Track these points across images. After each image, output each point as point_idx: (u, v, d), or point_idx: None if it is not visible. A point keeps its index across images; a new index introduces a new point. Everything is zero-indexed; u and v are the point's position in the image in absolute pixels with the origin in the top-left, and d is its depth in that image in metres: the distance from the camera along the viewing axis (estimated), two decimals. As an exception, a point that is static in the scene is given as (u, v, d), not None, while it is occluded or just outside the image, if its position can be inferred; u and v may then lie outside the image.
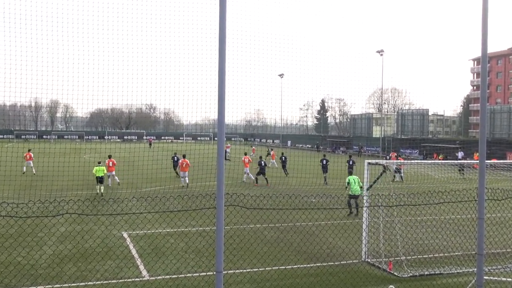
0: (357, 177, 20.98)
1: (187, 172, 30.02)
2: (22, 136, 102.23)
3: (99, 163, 27.72)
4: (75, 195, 24.10)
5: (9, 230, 15.00)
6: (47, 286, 11.16)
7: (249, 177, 32.93)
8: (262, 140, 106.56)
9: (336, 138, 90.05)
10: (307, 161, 30.35)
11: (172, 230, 16.47)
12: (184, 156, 31.46)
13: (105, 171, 27.59)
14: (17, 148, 27.75)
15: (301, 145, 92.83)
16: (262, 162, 32.25)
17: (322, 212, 18.67)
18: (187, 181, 29.88)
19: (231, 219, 15.12)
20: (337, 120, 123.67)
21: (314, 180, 28.88)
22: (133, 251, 14.45)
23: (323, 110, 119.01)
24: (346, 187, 21.44)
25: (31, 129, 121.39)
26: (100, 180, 26.31)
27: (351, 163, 34.72)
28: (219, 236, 7.47)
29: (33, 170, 35.88)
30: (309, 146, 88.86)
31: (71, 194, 24.27)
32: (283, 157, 39.46)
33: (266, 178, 31.56)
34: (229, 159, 48.04)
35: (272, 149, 49.24)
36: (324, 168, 33.86)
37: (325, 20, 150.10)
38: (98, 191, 26.11)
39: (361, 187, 20.61)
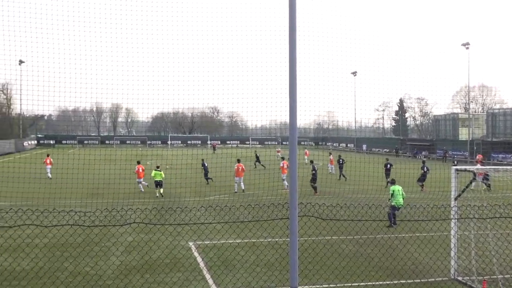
0: (401, 188, 20.84)
1: (242, 178, 30.59)
2: (85, 142, 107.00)
3: (157, 167, 29.43)
4: (142, 203, 24.85)
5: (77, 239, 15.71)
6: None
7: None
8: (334, 144, 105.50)
9: (417, 142, 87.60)
10: (370, 166, 29.69)
11: (241, 241, 16.60)
12: (238, 161, 31.87)
13: (163, 175, 29.10)
14: (82, 155, 29.03)
15: (377, 149, 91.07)
16: (315, 166, 32.03)
17: (406, 224, 18.17)
18: (243, 187, 30.31)
19: (306, 231, 15.04)
20: (418, 122, 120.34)
21: (372, 187, 28.25)
22: (201, 263, 14.69)
23: (401, 110, 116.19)
24: (390, 199, 20.85)
25: (93, 134, 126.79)
26: (158, 183, 28.02)
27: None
28: (293, 250, 7.42)
29: (49, 175, 37.67)
30: (387, 150, 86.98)
31: (138, 202, 25.06)
32: (341, 160, 39.61)
33: (314, 186, 30.91)
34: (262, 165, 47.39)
35: (330, 153, 48.54)
36: (388, 172, 33.80)
37: (402, 12, 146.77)
38: (157, 194, 27.81)
39: (403, 198, 20.66)
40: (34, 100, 18.24)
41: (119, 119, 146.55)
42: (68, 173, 26.44)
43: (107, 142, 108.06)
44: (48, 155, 40.02)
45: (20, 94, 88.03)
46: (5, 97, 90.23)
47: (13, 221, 17.44)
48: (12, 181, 23.38)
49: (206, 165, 35.83)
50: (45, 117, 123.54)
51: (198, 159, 31.14)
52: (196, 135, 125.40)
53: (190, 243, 17.04)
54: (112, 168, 27.15)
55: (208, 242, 16.92)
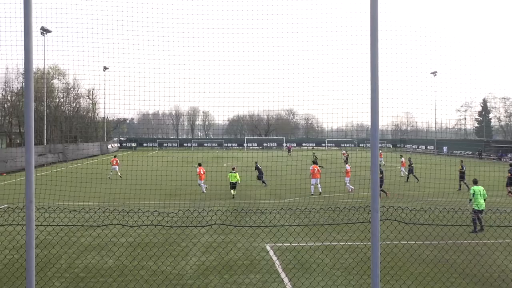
0: (483, 189, 19.26)
1: (318, 179, 30.40)
2: (164, 144, 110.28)
3: (233, 169, 29.80)
4: (220, 205, 25.24)
5: (152, 239, 16.18)
6: (192, 297, 11.77)
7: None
8: (413, 146, 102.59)
9: (502, 144, 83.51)
10: (450, 169, 28.58)
11: (317, 244, 16.46)
12: (314, 163, 31.89)
13: (238, 178, 29.55)
14: (162, 157, 29.93)
15: (459, 152, 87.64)
16: (382, 169, 31.12)
17: (495, 230, 17.33)
18: (320, 189, 30.12)
19: (388, 235, 14.70)
20: (503, 123, 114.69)
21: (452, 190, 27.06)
22: (277, 265, 14.69)
23: (484, 111, 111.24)
24: (470, 200, 19.18)
25: (172, 137, 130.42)
26: (233, 185, 28.41)
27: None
28: (374, 254, 7.25)
29: (119, 173, 40.45)
30: (469, 152, 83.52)
31: (214, 203, 25.48)
32: (410, 162, 39.26)
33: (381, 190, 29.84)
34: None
35: (401, 156, 47.23)
36: (462, 175, 32.98)
37: (484, 9, 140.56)
38: (232, 193, 28.34)
39: (484, 200, 19.11)
40: (116, 105, 18.98)
41: (197, 122, 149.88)
42: (148, 174, 27.32)
43: (185, 144, 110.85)
44: (115, 157, 43.08)
45: (104, 99, 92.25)
46: (90, 101, 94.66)
47: (100, 220, 18.29)
48: (100, 182, 24.45)
49: (260, 168, 35.79)
50: (127, 121, 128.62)
51: (274, 161, 31.27)
52: (271, 137, 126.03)
53: (267, 245, 17.09)
54: (190, 170, 27.85)
55: (285, 244, 16.91)
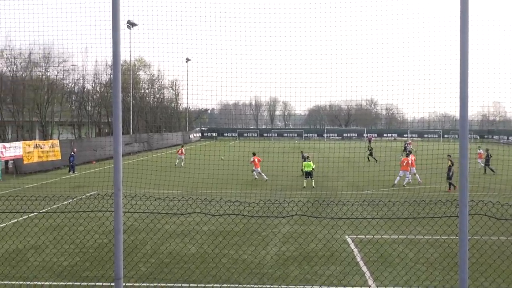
0: None
1: (407, 172, 29.68)
2: (244, 134, 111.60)
3: (307, 158, 29.67)
4: (299, 195, 25.25)
5: (234, 228, 16.43)
6: (273, 286, 11.86)
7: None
8: (502, 137, 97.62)
9: None
10: None
11: (400, 237, 16.08)
12: (407, 155, 31.20)
13: (313, 166, 29.35)
14: (241, 147, 30.35)
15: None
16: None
17: None
18: (410, 180, 29.53)
19: (477, 230, 14.13)
20: None
21: None
22: (358, 257, 14.49)
23: None
24: None
25: (252, 127, 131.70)
26: (308, 174, 28.27)
27: None
28: (462, 250, 6.97)
29: (182, 164, 41.51)
30: None
31: (295, 194, 25.51)
32: (488, 154, 37.31)
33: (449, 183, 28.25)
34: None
35: (479, 147, 44.73)
36: None
37: None
38: (304, 184, 28.14)
39: None
40: (198, 95, 19.42)
41: (277, 112, 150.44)
42: (229, 164, 27.78)
43: (265, 134, 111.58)
44: (182, 146, 44.73)
45: (187, 90, 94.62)
46: (174, 92, 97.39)
47: (184, 208, 18.83)
48: (184, 171, 25.14)
49: (305, 155, 36.10)
50: (208, 111, 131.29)
51: (355, 152, 30.81)
52: (352, 127, 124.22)
53: (348, 237, 16.90)
54: (270, 160, 28.01)
55: (366, 236, 16.64)
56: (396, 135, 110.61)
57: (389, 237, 16.06)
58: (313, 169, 29.79)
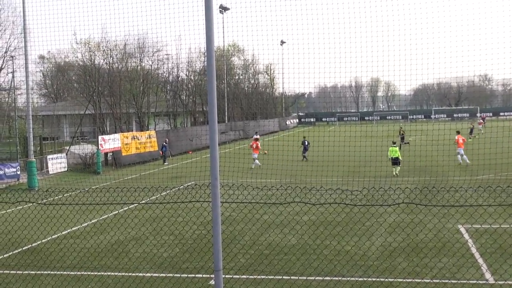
0: None
1: (462, 149, 28.95)
2: (344, 118, 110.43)
3: (394, 143, 28.67)
4: (406, 182, 24.67)
5: (336, 217, 16.34)
6: (379, 278, 11.72)
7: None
8: None
9: None
10: None
11: (521, 226, 15.25)
12: (458, 132, 30.44)
13: (399, 153, 28.30)
14: (342, 132, 30.03)
15: None
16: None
17: None
18: (467, 161, 29.39)
19: None
20: None
21: None
22: (473, 249, 13.96)
23: None
24: None
25: (353, 110, 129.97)
26: (395, 161, 27.44)
27: None
28: None
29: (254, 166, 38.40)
30: None
31: (402, 181, 24.96)
32: None
33: None
34: None
35: None
36: None
37: None
38: (394, 173, 27.25)
39: None
40: (295, 79, 19.46)
41: (379, 94, 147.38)
42: (329, 150, 27.59)
43: (366, 118, 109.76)
44: (256, 139, 42.61)
45: (282, 74, 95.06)
46: (269, 77, 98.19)
47: (282, 198, 19.03)
48: (281, 159, 25.39)
49: (306, 143, 37.35)
50: (305, 95, 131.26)
51: (468, 133, 29.50)
52: (463, 107, 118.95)
53: (461, 226, 16.30)
54: (372, 146, 27.53)
55: (483, 226, 15.94)
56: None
57: (509, 226, 15.30)
58: (399, 156, 28.83)
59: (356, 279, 11.91)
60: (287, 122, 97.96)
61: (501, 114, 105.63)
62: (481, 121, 58.17)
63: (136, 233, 16.63)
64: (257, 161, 33.93)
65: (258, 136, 42.53)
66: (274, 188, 13.15)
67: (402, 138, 52.07)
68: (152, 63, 62.63)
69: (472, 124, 56.49)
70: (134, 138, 42.70)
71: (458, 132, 34.89)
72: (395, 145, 29.27)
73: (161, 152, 42.32)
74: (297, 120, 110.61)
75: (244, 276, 12.21)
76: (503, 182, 22.75)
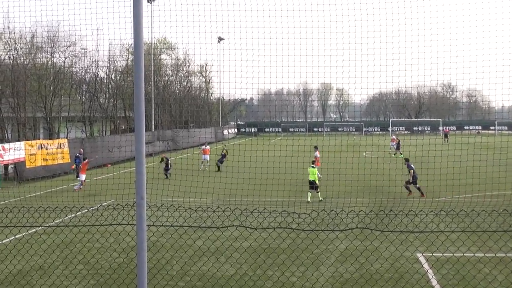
0: None
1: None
2: (290, 129, 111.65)
3: (313, 162, 29.57)
4: (360, 204, 25.17)
5: (281, 244, 16.52)
6: (328, 316, 11.92)
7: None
8: None
9: None
10: None
11: (488, 255, 15.86)
12: (316, 148, 32.14)
13: (315, 176, 28.40)
14: (286, 145, 30.38)
15: None
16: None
17: None
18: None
19: None
20: None
21: None
22: (433, 280, 14.42)
23: None
24: None
25: (300, 120, 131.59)
26: (311, 185, 27.96)
27: None
28: None
29: (207, 167, 44.12)
30: None
31: (355, 202, 25.44)
32: None
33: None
34: None
35: None
36: None
37: None
38: (308, 198, 27.60)
39: None
40: (234, 83, 19.64)
41: (330, 102, 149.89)
42: (274, 167, 27.87)
43: (315, 129, 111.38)
44: (206, 144, 46.86)
45: (219, 76, 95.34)
46: (203, 79, 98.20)
47: (219, 221, 19.07)
48: (218, 175, 25.41)
49: (224, 155, 43.38)
50: (246, 102, 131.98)
51: (429, 150, 30.31)
52: (424, 119, 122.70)
53: (421, 255, 16.78)
54: (321, 161, 27.99)
55: (444, 254, 16.50)
56: (480, 127, 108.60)
57: (472, 255, 15.86)
58: (315, 179, 28.28)
59: (303, 315, 12.07)
60: (225, 132, 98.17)
61: (466, 127, 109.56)
62: (394, 137, 60.76)
63: (43, 262, 16.25)
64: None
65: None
66: (209, 210, 13.20)
67: (398, 147, 54.18)
68: (65, 58, 61.54)
69: (398, 138, 58.90)
70: (41, 147, 41.73)
71: (316, 148, 36.00)
72: (313, 166, 29.25)
73: (72, 166, 41.62)
74: (236, 129, 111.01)
75: (173, 313, 12.16)
76: (467, 205, 23.62)
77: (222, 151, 45.79)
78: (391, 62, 16.53)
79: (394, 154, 54.67)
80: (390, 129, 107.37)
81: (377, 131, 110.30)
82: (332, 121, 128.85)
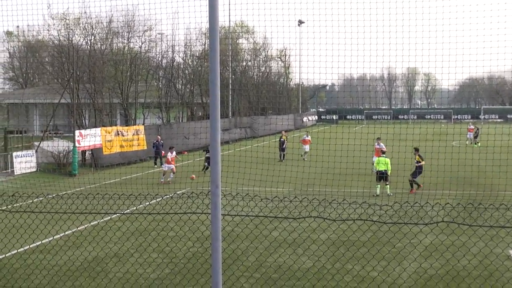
0: None
1: None
2: (374, 116, 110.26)
3: (383, 153, 28.40)
4: (447, 196, 24.64)
5: (361, 237, 16.36)
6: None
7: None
8: None
9: None
10: None
11: None
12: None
13: (389, 166, 27.32)
14: (369, 133, 30.02)
15: None
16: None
17: None
18: None
19: None
20: None
21: None
22: (528, 280, 14.00)
23: None
24: None
25: (384, 107, 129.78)
26: (381, 176, 27.25)
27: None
28: None
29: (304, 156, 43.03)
30: None
31: (441, 194, 24.93)
32: None
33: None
34: None
35: None
36: None
37: None
38: (376, 193, 26.68)
39: None
40: (314, 68, 19.54)
41: (416, 88, 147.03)
42: (354, 156, 27.62)
43: (400, 116, 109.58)
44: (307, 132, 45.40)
45: (300, 61, 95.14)
46: (283, 64, 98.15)
47: (297, 211, 19.06)
48: (296, 164, 25.43)
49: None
50: (327, 88, 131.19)
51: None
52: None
53: (511, 251, 16.31)
54: (408, 151, 27.54)
55: (536, 252, 15.99)
56: None
57: None
58: (387, 169, 27.20)
59: (383, 312, 11.97)
60: (304, 119, 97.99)
61: None
62: (472, 127, 58.79)
63: (118, 249, 16.75)
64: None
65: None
66: (286, 200, 13.21)
67: (476, 136, 53.46)
68: (142, 44, 62.80)
69: (476, 127, 57.36)
70: (118, 134, 42.79)
71: (378, 139, 34.46)
72: (384, 155, 28.46)
73: (154, 151, 42.57)
74: (316, 117, 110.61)
75: (248, 305, 12.28)
76: None
77: (281, 138, 45.56)
78: (483, 44, 16.02)
79: (472, 143, 53.80)
80: (481, 116, 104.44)
81: (467, 119, 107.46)
82: (418, 108, 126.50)
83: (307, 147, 44.53)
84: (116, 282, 13.91)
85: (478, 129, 56.37)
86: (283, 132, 47.29)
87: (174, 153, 34.53)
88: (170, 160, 33.32)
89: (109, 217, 20.60)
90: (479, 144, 52.46)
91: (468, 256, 15.19)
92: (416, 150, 29.29)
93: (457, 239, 17.11)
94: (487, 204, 12.30)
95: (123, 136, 43.43)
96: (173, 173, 33.16)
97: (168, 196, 23.96)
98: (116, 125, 56.17)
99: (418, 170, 28.62)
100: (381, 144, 33.29)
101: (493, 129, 52.47)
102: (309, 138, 45.46)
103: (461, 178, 29.25)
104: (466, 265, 14.85)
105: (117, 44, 59.61)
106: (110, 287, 13.61)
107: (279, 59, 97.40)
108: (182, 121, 69.13)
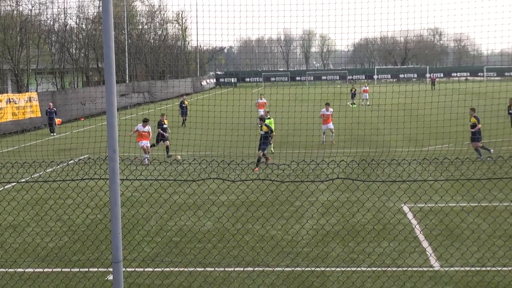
0: None
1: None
2: (272, 79, 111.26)
3: (268, 112, 28.51)
4: (341, 154, 25.32)
5: (260, 197, 16.60)
6: (309, 267, 12.11)
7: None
8: None
9: None
10: None
11: (472, 204, 16.12)
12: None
13: (273, 125, 27.37)
14: (268, 95, 30.31)
15: None
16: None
17: None
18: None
19: None
20: None
21: None
22: (416, 231, 14.66)
23: None
24: None
25: (281, 69, 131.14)
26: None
27: None
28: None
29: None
30: None
31: (336, 153, 25.59)
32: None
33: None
34: None
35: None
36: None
37: None
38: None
39: None
40: (212, 29, 19.44)
41: (312, 49, 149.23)
42: (252, 117, 27.84)
43: (297, 78, 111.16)
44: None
45: (197, 23, 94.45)
46: (180, 27, 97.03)
47: (196, 174, 19.12)
48: (194, 127, 25.33)
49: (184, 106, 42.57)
50: (225, 50, 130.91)
51: (414, 97, 30.29)
52: (410, 66, 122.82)
53: (404, 205, 17.02)
54: (303, 111, 28.01)
55: (428, 204, 16.75)
56: (468, 73, 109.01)
57: (456, 204, 16.12)
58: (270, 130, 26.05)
59: (283, 268, 12.23)
60: (203, 83, 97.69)
61: (453, 74, 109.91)
62: (366, 88, 60.97)
63: (13, 219, 16.24)
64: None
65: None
66: (185, 163, 13.23)
67: (353, 95, 55.51)
68: (32, 7, 60.42)
69: (354, 88, 59.90)
70: (10, 102, 41.32)
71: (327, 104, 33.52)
72: (268, 116, 28.48)
73: (59, 121, 41.56)
74: (215, 80, 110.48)
75: (150, 269, 12.25)
76: (451, 153, 23.88)
77: (182, 103, 44.49)
78: (374, 5, 16.43)
79: (364, 104, 56.01)
80: (375, 76, 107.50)
81: (361, 79, 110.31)
82: (315, 69, 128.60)
83: (261, 111, 42.89)
84: (12, 252, 13.53)
85: (355, 89, 58.55)
86: (184, 97, 46.52)
87: (148, 127, 27.40)
88: (145, 135, 27.04)
89: (2, 187, 19.91)
90: (354, 104, 54.57)
91: (363, 211, 15.74)
92: (473, 110, 26.68)
93: (352, 195, 17.74)
94: (379, 160, 12.75)
95: (15, 103, 41.96)
96: (147, 152, 26.36)
97: (65, 164, 23.41)
98: (7, 92, 54.02)
99: (478, 136, 25.97)
100: (330, 109, 32.54)
101: (384, 87, 54.19)
102: (263, 101, 41.46)
103: (355, 135, 30.08)
104: (361, 220, 15.38)
105: (5, 7, 57.12)
106: (6, 257, 13.25)
107: (175, 22, 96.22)
108: (77, 87, 67.39)
